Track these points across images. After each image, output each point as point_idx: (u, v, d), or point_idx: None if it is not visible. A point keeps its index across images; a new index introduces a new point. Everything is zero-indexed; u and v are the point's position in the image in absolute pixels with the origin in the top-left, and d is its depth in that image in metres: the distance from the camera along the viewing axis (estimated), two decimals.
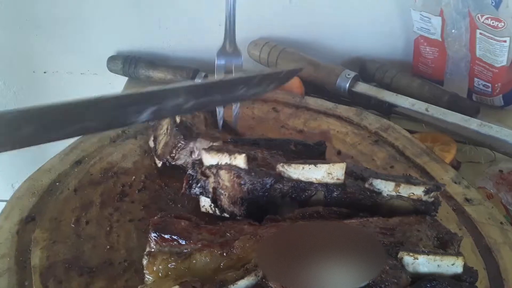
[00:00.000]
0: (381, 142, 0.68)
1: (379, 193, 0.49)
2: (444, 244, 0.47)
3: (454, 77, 0.84)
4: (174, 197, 0.59)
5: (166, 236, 0.44)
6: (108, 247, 0.53)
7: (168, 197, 0.59)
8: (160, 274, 0.42)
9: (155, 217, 0.46)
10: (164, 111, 0.41)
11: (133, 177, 0.61)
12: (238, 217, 0.52)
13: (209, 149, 0.53)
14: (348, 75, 0.79)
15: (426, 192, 0.49)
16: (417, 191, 0.49)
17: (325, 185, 0.49)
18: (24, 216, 0.56)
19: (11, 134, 0.34)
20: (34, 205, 0.57)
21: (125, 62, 0.94)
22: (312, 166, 0.49)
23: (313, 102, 0.76)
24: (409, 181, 0.49)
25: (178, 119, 0.62)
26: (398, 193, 0.49)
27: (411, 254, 0.43)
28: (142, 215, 0.56)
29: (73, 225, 0.55)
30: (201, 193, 0.54)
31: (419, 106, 0.73)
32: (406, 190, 0.49)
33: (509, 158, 0.72)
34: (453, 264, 0.43)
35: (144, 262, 0.43)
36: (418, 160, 0.64)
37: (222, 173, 0.51)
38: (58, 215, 0.56)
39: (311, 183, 0.50)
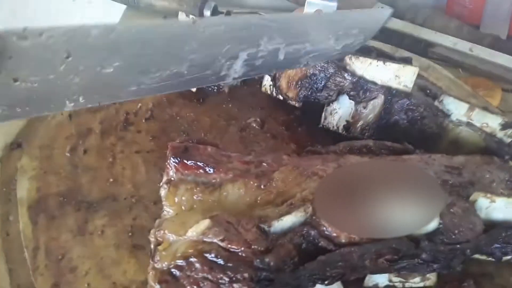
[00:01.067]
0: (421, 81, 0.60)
1: (448, 115, 0.42)
2: None
3: (493, 20, 0.75)
4: (188, 129, 0.50)
5: (189, 163, 0.36)
6: (111, 180, 0.44)
7: (181, 128, 0.50)
8: (183, 207, 0.34)
9: (175, 142, 0.37)
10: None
11: (139, 104, 0.52)
12: (292, 102, 0.49)
13: None
14: (382, 7, 0.70)
15: (504, 127, 0.41)
16: (493, 122, 0.41)
17: (389, 89, 0.43)
18: (9, 142, 0.47)
19: None
20: (21, 130, 0.48)
21: None
22: (380, 63, 0.43)
23: None
24: (486, 108, 0.41)
25: None
26: (469, 120, 0.41)
27: (488, 195, 0.36)
28: (150, 147, 0.48)
29: (68, 154, 0.46)
30: None
31: (462, 45, 0.65)
32: (480, 118, 0.41)
33: None
34: None
35: (163, 192, 0.35)
36: None
37: None
38: (50, 142, 0.47)
39: (374, 83, 0.44)
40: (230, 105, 0.52)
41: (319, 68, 0.45)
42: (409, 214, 0.34)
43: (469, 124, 0.42)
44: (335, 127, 0.47)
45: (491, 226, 0.36)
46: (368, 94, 0.44)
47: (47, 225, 0.40)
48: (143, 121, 0.50)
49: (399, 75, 0.42)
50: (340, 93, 0.45)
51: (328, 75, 0.45)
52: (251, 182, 0.35)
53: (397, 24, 0.70)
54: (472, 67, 0.67)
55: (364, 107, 0.44)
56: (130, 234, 0.40)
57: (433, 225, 0.34)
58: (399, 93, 0.43)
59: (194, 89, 0.52)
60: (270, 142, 0.49)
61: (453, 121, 0.42)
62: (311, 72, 0.45)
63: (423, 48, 0.70)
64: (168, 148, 0.37)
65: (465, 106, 0.42)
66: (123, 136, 0.48)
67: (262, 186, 0.35)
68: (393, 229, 0.33)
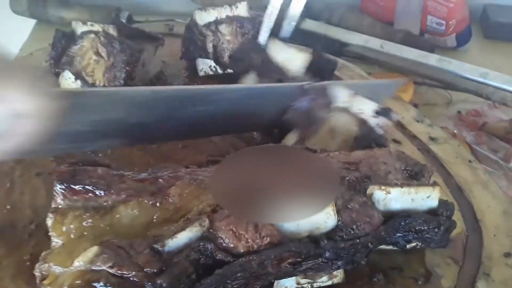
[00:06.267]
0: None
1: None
2: (414, 177, 0.40)
3: (405, 16, 0.78)
4: None
5: (76, 188, 0.34)
6: (8, 207, 0.42)
7: None
8: (72, 236, 0.32)
9: (62, 166, 0.35)
10: None
11: None
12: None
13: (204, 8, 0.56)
14: None
15: (377, 114, 0.45)
16: (368, 109, 0.45)
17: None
18: None
19: None
20: None
21: (31, 1, 0.79)
22: None
23: None
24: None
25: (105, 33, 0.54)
26: (348, 105, 0.45)
27: (382, 187, 0.36)
28: (52, 168, 0.45)
29: None
30: (200, 55, 0.58)
31: (373, 42, 0.66)
32: (358, 104, 0.45)
33: (465, 99, 0.67)
34: (428, 197, 0.37)
35: (49, 222, 0.33)
36: None
37: (222, 27, 0.55)
38: None
39: None
40: None
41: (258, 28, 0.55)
42: (303, 200, 0.34)
43: (345, 110, 0.45)
44: (212, 69, 0.58)
45: (391, 216, 0.37)
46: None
47: None
48: None
49: None
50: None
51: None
52: (146, 201, 0.34)
53: (312, 25, 0.71)
54: (386, 63, 0.69)
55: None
56: (28, 263, 0.38)
57: (331, 223, 0.34)
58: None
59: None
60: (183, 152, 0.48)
61: (338, 106, 0.46)
62: (254, 35, 0.55)
63: (339, 48, 0.71)
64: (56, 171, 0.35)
65: (349, 92, 0.45)
66: (22, 158, 0.46)
67: (157, 204, 0.34)
68: (287, 214, 0.33)
